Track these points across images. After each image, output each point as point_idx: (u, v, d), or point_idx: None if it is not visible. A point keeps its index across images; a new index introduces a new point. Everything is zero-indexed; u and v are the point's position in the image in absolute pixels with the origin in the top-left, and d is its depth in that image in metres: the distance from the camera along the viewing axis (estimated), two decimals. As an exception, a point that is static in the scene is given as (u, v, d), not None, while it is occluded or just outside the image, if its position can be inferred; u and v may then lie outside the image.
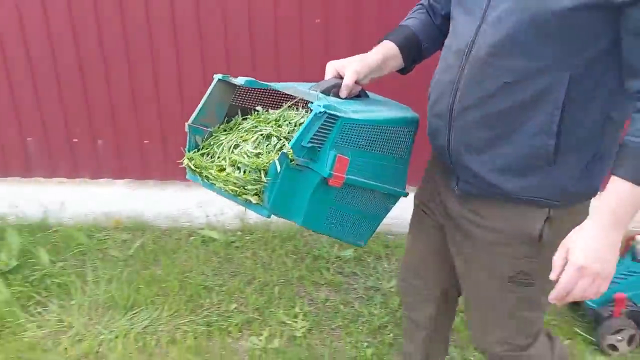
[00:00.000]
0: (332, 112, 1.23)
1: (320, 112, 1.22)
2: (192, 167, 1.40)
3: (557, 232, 1.26)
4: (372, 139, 1.35)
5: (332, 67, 1.44)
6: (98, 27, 2.71)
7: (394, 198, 1.52)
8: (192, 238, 2.91)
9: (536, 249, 1.32)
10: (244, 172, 1.29)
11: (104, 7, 2.68)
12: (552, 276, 1.19)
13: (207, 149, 1.43)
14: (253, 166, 1.27)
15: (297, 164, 1.23)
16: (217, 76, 1.42)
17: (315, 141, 1.23)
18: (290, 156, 1.21)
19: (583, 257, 1.14)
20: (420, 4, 1.61)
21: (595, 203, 1.22)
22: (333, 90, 1.39)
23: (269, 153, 1.30)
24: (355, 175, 1.34)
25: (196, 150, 1.44)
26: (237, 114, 1.51)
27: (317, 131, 1.22)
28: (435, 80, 1.41)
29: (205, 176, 1.37)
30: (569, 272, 1.16)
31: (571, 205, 1.32)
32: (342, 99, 1.39)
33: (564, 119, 1.21)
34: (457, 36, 1.34)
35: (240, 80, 1.39)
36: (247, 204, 1.29)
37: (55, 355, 2.16)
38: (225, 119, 1.49)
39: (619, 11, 1.11)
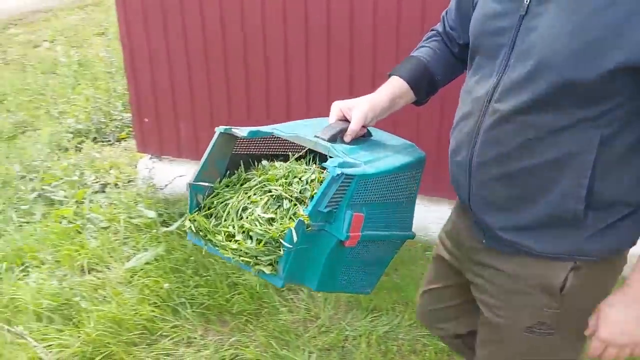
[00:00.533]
0: (349, 173, 1.15)
1: (337, 175, 1.13)
2: (195, 229, 1.31)
3: (583, 283, 1.22)
4: (385, 189, 1.28)
5: (337, 109, 1.35)
6: (326, 22, 2.89)
7: (401, 242, 1.47)
8: (427, 252, 2.97)
9: (558, 299, 1.23)
10: (257, 241, 1.20)
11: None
12: (586, 333, 1.25)
13: (210, 209, 1.33)
14: (267, 236, 1.19)
15: (312, 229, 1.15)
16: (219, 129, 1.32)
17: (332, 204, 1.16)
18: (307, 222, 1.13)
19: (607, 331, 1.18)
20: (435, 30, 1.49)
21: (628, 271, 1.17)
22: (339, 135, 1.31)
23: (283, 218, 1.22)
24: (370, 230, 1.26)
25: (197, 210, 1.34)
26: (238, 165, 1.41)
27: (334, 194, 1.15)
28: (454, 126, 1.32)
29: (209, 240, 1.29)
30: (594, 343, 1.22)
31: (601, 259, 1.21)
32: (346, 143, 1.31)
33: (595, 181, 1.11)
34: (477, 82, 1.23)
35: (243, 132, 1.30)
36: (260, 274, 1.21)
37: (305, 342, 2.37)
38: (227, 172, 1.40)
39: None
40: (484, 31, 1.21)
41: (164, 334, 2.45)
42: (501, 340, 1.35)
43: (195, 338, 2.44)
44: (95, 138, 4.30)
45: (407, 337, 2.38)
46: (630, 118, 1.08)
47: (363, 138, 1.37)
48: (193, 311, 2.55)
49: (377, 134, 1.44)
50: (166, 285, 2.65)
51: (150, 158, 3.59)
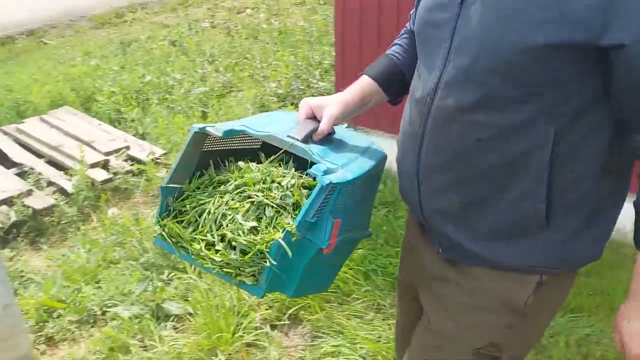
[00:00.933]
0: (336, 182, 1.13)
1: (326, 185, 1.10)
2: (166, 235, 1.24)
3: (544, 298, 1.15)
4: (357, 192, 1.24)
5: (307, 107, 1.30)
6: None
7: (359, 241, 1.46)
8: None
9: (519, 317, 1.16)
10: (242, 252, 1.15)
11: None
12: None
13: (182, 212, 1.26)
14: (253, 247, 1.13)
15: (296, 239, 1.12)
16: (194, 128, 1.26)
17: (317, 213, 1.13)
18: (293, 233, 1.10)
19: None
20: (406, 27, 1.44)
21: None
22: (311, 135, 1.27)
23: (267, 227, 1.16)
24: (343, 234, 1.22)
25: (167, 214, 1.27)
26: (207, 163, 1.33)
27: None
28: (400, 132, 1.25)
29: (182, 247, 1.21)
30: None
31: (570, 271, 1.16)
32: (315, 142, 1.27)
33: (554, 179, 1.03)
34: (418, 82, 1.17)
35: (218, 132, 1.23)
36: (241, 284, 1.17)
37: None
38: (195, 172, 1.33)
39: (604, 55, 0.94)
40: (425, 23, 1.15)
41: (356, 296, 2.55)
42: (441, 348, 1.27)
43: (385, 305, 2.50)
44: (294, 103, 4.54)
45: (612, 344, 2.23)
46: (582, 109, 1.00)
47: (328, 136, 1.32)
48: (384, 279, 2.61)
49: (339, 131, 1.38)
50: (359, 249, 2.74)
51: (347, 127, 3.71)
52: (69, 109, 4.53)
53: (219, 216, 1.20)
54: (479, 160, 1.06)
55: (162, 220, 1.27)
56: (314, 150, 1.21)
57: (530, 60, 0.96)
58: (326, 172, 1.14)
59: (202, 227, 1.21)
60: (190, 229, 1.23)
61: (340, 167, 1.19)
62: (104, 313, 2.54)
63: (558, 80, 0.98)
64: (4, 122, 4.46)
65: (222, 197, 1.24)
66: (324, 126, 1.27)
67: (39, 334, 2.46)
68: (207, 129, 1.25)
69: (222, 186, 1.27)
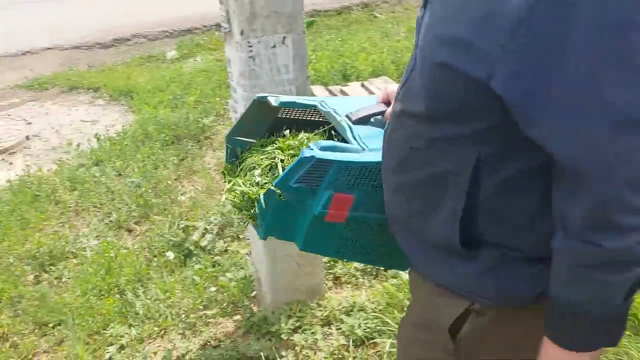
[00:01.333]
0: (323, 158, 1.13)
1: (305, 157, 1.13)
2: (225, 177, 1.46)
3: (484, 334, 1.07)
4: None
5: (384, 92, 1.34)
6: None
7: None
8: None
9: (452, 344, 1.09)
10: (241, 197, 1.30)
11: None
12: None
13: (241, 162, 1.44)
14: (245, 195, 1.29)
15: (286, 199, 1.17)
16: (255, 96, 1.41)
17: (307, 182, 1.16)
18: (278, 192, 1.16)
19: None
20: None
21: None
22: (372, 118, 1.30)
23: (267, 184, 1.29)
24: (367, 212, 1.21)
25: (234, 160, 1.47)
26: (283, 127, 1.45)
27: (308, 173, 1.15)
28: None
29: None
30: None
31: (498, 305, 1.05)
32: (379, 126, 1.29)
33: (473, 208, 0.98)
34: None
35: (275, 101, 1.35)
36: (246, 223, 1.35)
37: None
38: (268, 133, 1.47)
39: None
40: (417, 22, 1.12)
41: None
42: (403, 349, 1.29)
43: None
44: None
45: None
46: (509, 150, 0.92)
47: None
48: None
49: None
50: None
51: None
52: (387, 79, 4.85)
53: (248, 168, 1.40)
54: (413, 169, 1.06)
55: (226, 165, 1.52)
56: (355, 131, 1.27)
57: (444, 79, 0.91)
58: (327, 149, 1.17)
59: (237, 174, 1.43)
60: (240, 172, 1.46)
61: (368, 150, 1.21)
62: (386, 270, 2.72)
63: (475, 109, 0.90)
64: (331, 82, 5.00)
65: (261, 155, 1.41)
66: (389, 111, 1.30)
67: (329, 271, 2.75)
68: (268, 98, 1.39)
69: (269, 147, 1.44)
